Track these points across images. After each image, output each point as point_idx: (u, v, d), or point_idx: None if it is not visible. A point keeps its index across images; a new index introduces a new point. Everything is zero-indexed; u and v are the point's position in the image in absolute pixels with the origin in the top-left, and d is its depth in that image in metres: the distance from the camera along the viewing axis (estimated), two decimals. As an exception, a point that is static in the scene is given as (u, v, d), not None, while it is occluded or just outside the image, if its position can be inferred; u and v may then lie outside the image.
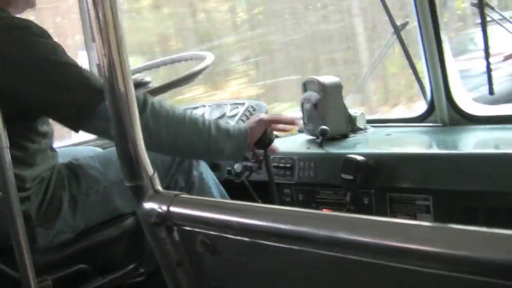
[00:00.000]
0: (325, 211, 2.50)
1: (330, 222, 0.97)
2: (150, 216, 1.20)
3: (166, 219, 1.18)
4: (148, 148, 1.90)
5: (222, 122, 2.17)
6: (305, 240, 0.98)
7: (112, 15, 1.10)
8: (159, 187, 1.23)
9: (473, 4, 2.52)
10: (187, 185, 2.36)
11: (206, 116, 3.12)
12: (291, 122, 2.43)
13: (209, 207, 1.16)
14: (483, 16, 2.48)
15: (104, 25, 1.10)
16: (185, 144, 2.06)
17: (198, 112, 3.21)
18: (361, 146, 2.57)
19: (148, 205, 1.21)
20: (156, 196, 1.21)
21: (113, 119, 1.18)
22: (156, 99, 2.01)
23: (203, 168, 2.44)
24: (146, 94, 1.99)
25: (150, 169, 1.22)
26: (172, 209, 1.16)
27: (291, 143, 2.87)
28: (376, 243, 0.89)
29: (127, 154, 1.20)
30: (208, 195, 2.39)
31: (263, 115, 2.31)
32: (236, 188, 2.60)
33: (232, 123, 2.82)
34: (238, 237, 1.11)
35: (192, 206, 1.18)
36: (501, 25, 2.65)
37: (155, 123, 1.92)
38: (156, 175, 1.24)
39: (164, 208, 1.17)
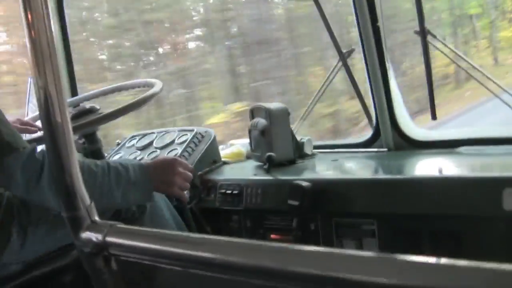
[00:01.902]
0: (274, 237, 2.52)
1: (262, 251, 0.98)
2: (87, 246, 1.19)
3: (102, 248, 1.17)
4: (51, 207, 1.91)
5: (122, 169, 2.06)
6: (237, 269, 0.98)
7: (48, 48, 1.10)
8: (96, 217, 1.22)
9: (415, 32, 2.58)
10: (139, 210, 2.32)
11: (155, 143, 3.11)
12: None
13: (144, 237, 1.15)
14: (425, 44, 2.54)
15: (41, 59, 1.10)
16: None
17: (146, 140, 3.19)
18: (307, 172, 2.58)
19: (85, 235, 1.19)
20: (93, 226, 1.20)
21: (50, 151, 1.17)
22: None
23: (155, 193, 2.41)
24: (43, 154, 1.91)
25: (87, 199, 1.21)
26: (108, 239, 1.15)
27: (238, 169, 2.88)
28: (309, 273, 0.89)
29: (64, 185, 1.18)
30: (160, 219, 2.36)
31: (177, 160, 2.25)
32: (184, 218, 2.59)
33: (178, 150, 2.83)
34: (172, 267, 1.10)
35: (128, 235, 1.17)
36: (442, 52, 2.72)
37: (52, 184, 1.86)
38: (93, 205, 1.23)
39: (100, 238, 1.16)
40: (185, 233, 1.08)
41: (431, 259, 0.77)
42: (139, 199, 2.12)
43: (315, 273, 0.87)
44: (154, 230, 1.19)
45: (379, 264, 0.84)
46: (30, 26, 1.09)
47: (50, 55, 1.10)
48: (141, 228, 1.21)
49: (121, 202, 2.06)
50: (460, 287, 0.73)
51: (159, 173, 2.16)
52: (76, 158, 1.19)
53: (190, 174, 2.26)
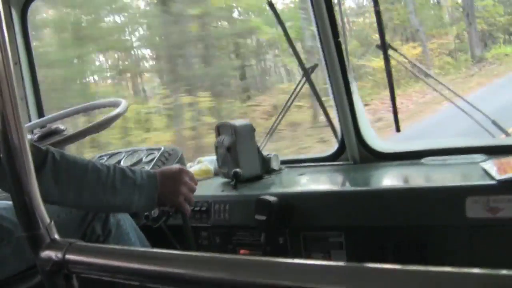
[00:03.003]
0: (243, 253, 2.53)
1: (217, 264, 0.98)
2: (47, 265, 1.18)
3: (62, 266, 1.16)
4: (52, 201, 1.89)
5: (129, 172, 2.05)
6: (200, 284, 0.98)
7: (4, 69, 1.10)
8: (56, 236, 1.22)
9: (377, 47, 2.63)
10: (104, 233, 2.31)
11: (122, 163, 3.10)
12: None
13: (103, 254, 1.14)
14: (386, 56, 2.58)
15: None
16: (89, 197, 1.97)
17: (114, 159, 3.19)
18: (274, 186, 2.60)
19: (44, 254, 1.19)
20: (52, 245, 1.19)
21: (8, 170, 1.17)
22: (58, 151, 1.96)
23: (121, 215, 2.40)
24: (48, 147, 1.94)
25: (46, 218, 1.21)
26: (68, 256, 1.15)
27: (206, 186, 2.88)
28: (278, 285, 0.90)
29: (23, 204, 1.18)
30: (126, 241, 2.35)
31: (184, 169, 2.20)
32: (154, 233, 2.58)
33: (146, 168, 2.81)
34: (133, 283, 1.10)
35: (87, 253, 1.16)
36: (403, 65, 2.77)
37: (55, 177, 1.86)
38: (52, 224, 1.23)
39: (60, 255, 1.15)
40: (145, 249, 1.08)
41: (399, 267, 0.79)
42: (142, 204, 2.05)
43: (285, 285, 0.88)
44: (114, 246, 1.20)
45: (348, 273, 0.85)
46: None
47: (6, 78, 1.11)
48: (100, 245, 1.21)
49: (122, 204, 2.02)
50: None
51: (166, 182, 2.11)
52: (34, 179, 1.19)
53: (195, 185, 2.23)
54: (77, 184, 1.93)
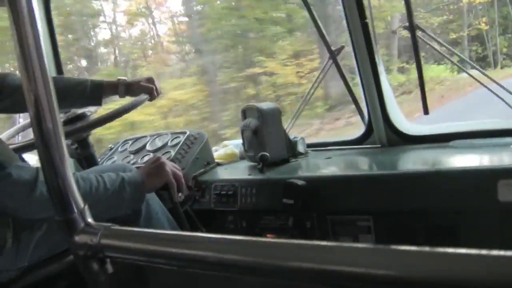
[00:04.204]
0: (270, 236, 2.52)
1: (261, 248, 0.97)
2: (82, 249, 1.18)
3: (97, 251, 1.16)
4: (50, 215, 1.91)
5: (114, 174, 2.12)
6: (233, 267, 0.97)
7: (37, 54, 1.09)
8: (90, 220, 1.21)
9: (404, 27, 2.59)
10: (134, 214, 2.32)
11: (148, 147, 3.10)
12: (181, 190, 2.32)
13: (139, 238, 1.14)
14: (414, 38, 2.54)
15: (30, 65, 1.09)
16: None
17: (139, 143, 3.19)
18: (301, 170, 2.58)
19: (79, 238, 1.19)
20: (87, 229, 1.19)
21: (42, 155, 1.16)
22: None
23: (149, 196, 2.41)
24: (38, 168, 1.94)
25: (80, 203, 1.20)
26: (103, 241, 1.14)
27: (232, 170, 2.87)
28: (311, 267, 0.88)
29: (57, 189, 1.18)
30: (155, 223, 2.35)
31: (164, 161, 2.25)
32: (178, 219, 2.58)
33: (172, 153, 2.83)
34: (169, 267, 1.09)
35: (123, 237, 1.16)
36: (433, 47, 2.72)
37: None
38: (86, 208, 1.22)
39: (95, 240, 1.15)
40: (180, 232, 1.06)
41: (428, 249, 0.77)
42: (133, 197, 2.11)
43: (313, 267, 0.87)
44: (149, 230, 1.18)
45: (377, 255, 0.84)
46: (18, 32, 1.08)
47: (39, 61, 1.10)
48: (135, 229, 1.20)
49: (115, 203, 2.06)
50: (459, 275, 0.73)
51: (148, 168, 2.20)
52: (68, 162, 1.18)
53: (175, 165, 2.29)
54: None
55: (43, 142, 1.14)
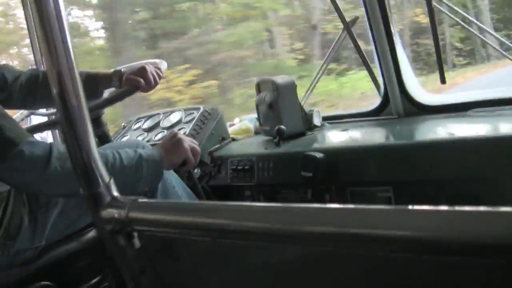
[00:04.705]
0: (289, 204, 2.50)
1: (291, 214, 0.96)
2: (109, 224, 1.17)
3: (125, 225, 1.15)
4: (63, 194, 1.91)
5: (132, 151, 2.08)
6: (269, 235, 0.96)
7: (59, 29, 1.08)
8: (117, 193, 1.20)
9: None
10: (150, 188, 2.32)
11: (162, 124, 3.09)
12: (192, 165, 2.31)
13: (168, 210, 1.13)
14: (430, 6, 2.50)
15: (52, 40, 1.08)
16: None
17: (153, 120, 3.18)
18: (318, 143, 2.56)
19: (106, 212, 1.17)
20: (114, 203, 1.18)
21: (66, 129, 1.15)
22: (61, 144, 1.96)
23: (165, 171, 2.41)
24: (51, 143, 1.92)
25: (106, 176, 1.19)
26: (131, 214, 1.13)
27: (248, 145, 2.86)
28: (339, 232, 0.88)
29: (81, 163, 1.17)
30: (173, 196, 2.35)
31: (182, 137, 2.23)
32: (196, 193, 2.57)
33: (186, 129, 2.82)
34: (200, 238, 1.09)
35: (151, 209, 1.15)
36: (449, 15, 2.69)
37: (62, 168, 1.84)
38: (112, 181, 1.21)
39: (123, 214, 1.14)
40: (208, 202, 1.05)
41: (451, 208, 0.79)
42: (151, 175, 2.09)
43: (341, 231, 0.87)
44: (177, 201, 1.18)
45: (399, 216, 0.83)
46: (38, 9, 1.07)
47: (62, 38, 1.09)
48: (163, 201, 1.19)
49: (132, 180, 2.04)
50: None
51: (166, 144, 2.19)
52: (92, 137, 1.18)
53: (193, 141, 2.28)
54: None
55: (67, 118, 1.13)
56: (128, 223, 1.15)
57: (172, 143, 2.19)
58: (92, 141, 1.17)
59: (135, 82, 2.38)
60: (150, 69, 2.41)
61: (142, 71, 2.40)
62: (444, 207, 0.78)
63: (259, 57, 11.59)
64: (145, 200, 1.17)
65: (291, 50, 11.73)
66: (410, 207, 0.81)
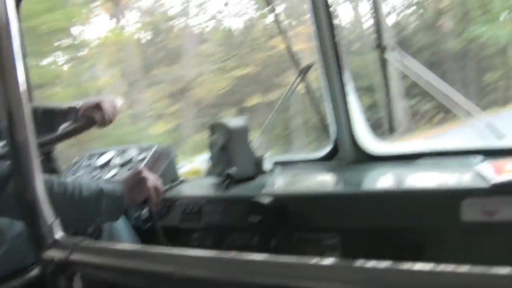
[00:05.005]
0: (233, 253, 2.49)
1: (235, 264, 0.97)
2: (51, 265, 1.16)
3: (66, 267, 1.14)
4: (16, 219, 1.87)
5: (94, 184, 2.08)
6: (211, 284, 0.96)
7: (13, 63, 1.08)
8: (60, 234, 1.19)
9: (374, 47, 2.60)
10: (95, 232, 2.29)
11: (113, 161, 3.07)
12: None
13: (111, 253, 1.12)
14: (382, 58, 2.56)
15: (3, 74, 1.08)
16: (57, 212, 1.97)
17: (105, 157, 3.16)
18: (268, 187, 2.57)
19: (48, 253, 1.16)
20: (56, 244, 1.17)
21: (14, 167, 1.15)
22: None
23: None
24: (7, 169, 1.91)
25: (50, 217, 1.18)
26: (73, 256, 1.13)
27: (198, 187, 2.85)
28: (280, 283, 0.88)
29: (27, 203, 1.16)
30: (119, 239, 2.33)
31: (145, 175, 2.22)
32: (146, 234, 2.55)
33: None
34: (140, 284, 1.08)
35: (94, 252, 1.14)
36: (404, 64, 2.73)
37: None
38: (57, 222, 1.20)
39: (64, 255, 1.13)
40: (152, 247, 1.04)
41: (395, 264, 0.78)
42: (110, 210, 2.07)
43: (281, 283, 0.87)
44: (120, 245, 1.17)
45: (343, 271, 0.84)
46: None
47: (13, 72, 1.09)
48: (106, 244, 1.18)
49: (90, 213, 2.02)
50: None
51: (129, 181, 2.18)
52: (40, 176, 1.17)
53: (157, 179, 2.27)
54: None
55: (15, 156, 1.13)
56: (69, 265, 1.13)
57: (136, 180, 2.18)
58: (39, 181, 1.17)
59: (90, 118, 2.37)
60: (105, 105, 2.40)
61: (97, 107, 2.39)
62: (385, 263, 0.79)
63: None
64: (88, 242, 1.16)
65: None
66: (352, 262, 0.81)
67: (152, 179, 2.22)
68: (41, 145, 2.27)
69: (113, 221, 2.28)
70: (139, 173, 2.20)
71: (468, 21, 11.96)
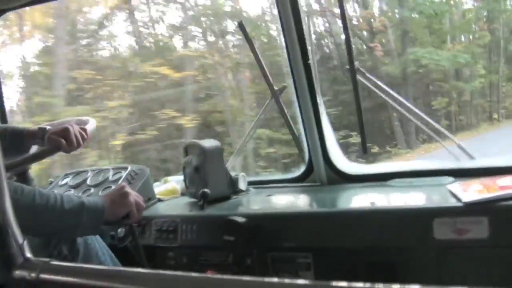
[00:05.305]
0: (210, 273, 2.50)
1: (208, 284, 0.98)
2: (19, 285, 1.15)
3: (37, 286, 1.14)
4: None
5: (75, 197, 2.09)
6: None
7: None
8: (29, 255, 1.19)
9: (346, 70, 2.66)
10: (71, 253, 2.28)
11: (88, 182, 3.07)
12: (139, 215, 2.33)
13: (80, 273, 1.12)
14: (354, 80, 2.61)
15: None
16: (38, 222, 1.97)
17: (80, 177, 3.15)
18: (242, 207, 2.60)
19: (17, 273, 1.16)
20: (26, 264, 1.16)
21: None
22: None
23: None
24: None
25: (19, 237, 1.18)
26: (43, 276, 1.12)
27: (173, 206, 2.86)
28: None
29: (-4, 223, 1.16)
30: (95, 261, 2.32)
31: (129, 190, 2.24)
32: (121, 253, 2.55)
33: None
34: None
35: (63, 272, 1.13)
36: (373, 89, 2.79)
37: None
38: (26, 243, 1.20)
39: (34, 275, 1.13)
40: (124, 268, 1.04)
41: (367, 285, 0.79)
42: (90, 223, 2.07)
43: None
44: (91, 266, 1.17)
45: None
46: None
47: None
48: (76, 265, 1.18)
49: (71, 225, 2.02)
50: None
51: (113, 197, 2.18)
52: (7, 196, 1.17)
53: (138, 196, 2.29)
54: (26, 211, 1.90)
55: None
56: (38, 286, 1.13)
57: (118, 195, 2.18)
58: (7, 201, 1.16)
59: (57, 143, 2.33)
60: (73, 129, 2.37)
61: (64, 132, 2.36)
62: (359, 284, 0.80)
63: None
64: (57, 262, 1.16)
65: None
66: (326, 283, 0.83)
67: (134, 194, 2.24)
68: (6, 168, 2.27)
69: (93, 235, 2.27)
70: (122, 187, 2.21)
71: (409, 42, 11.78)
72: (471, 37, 11.97)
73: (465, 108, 12.43)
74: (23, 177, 2.64)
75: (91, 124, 2.52)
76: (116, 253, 2.50)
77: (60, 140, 2.33)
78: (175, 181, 3.18)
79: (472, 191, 2.05)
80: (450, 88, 12.11)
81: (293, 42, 2.61)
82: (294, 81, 2.70)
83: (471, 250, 1.96)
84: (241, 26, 2.92)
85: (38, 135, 2.44)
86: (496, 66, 11.91)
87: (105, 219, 2.11)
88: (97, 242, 2.40)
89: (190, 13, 11.10)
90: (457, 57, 10.90)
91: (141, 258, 2.28)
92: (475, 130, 11.67)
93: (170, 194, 3.08)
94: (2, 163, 1.15)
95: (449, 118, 11.80)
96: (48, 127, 2.44)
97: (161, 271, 1.04)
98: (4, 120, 3.37)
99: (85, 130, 2.44)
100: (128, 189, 2.21)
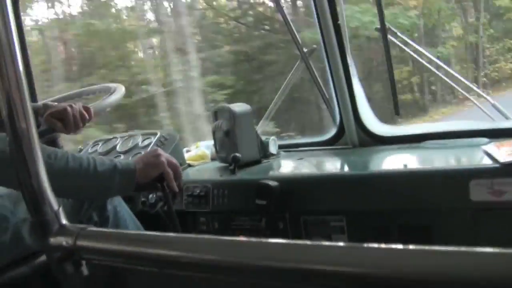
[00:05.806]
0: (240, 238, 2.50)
1: (242, 248, 0.96)
2: (56, 251, 1.16)
3: (72, 253, 1.13)
4: None
5: (107, 159, 2.04)
6: (217, 268, 0.96)
7: (10, 53, 1.08)
8: (65, 221, 1.19)
9: (376, 29, 2.60)
10: (101, 220, 2.29)
11: (118, 148, 3.07)
12: (178, 185, 2.18)
13: (116, 239, 1.12)
14: (386, 40, 2.55)
15: (3, 63, 1.08)
16: (72, 185, 1.94)
17: (109, 144, 3.16)
18: (273, 171, 2.58)
19: (54, 240, 1.16)
20: (62, 231, 1.16)
21: (15, 156, 1.14)
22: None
23: (117, 201, 2.38)
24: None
25: (55, 204, 1.18)
26: (79, 242, 1.12)
27: (204, 171, 2.86)
28: (290, 267, 0.88)
29: (31, 189, 1.16)
30: (123, 228, 2.33)
31: (161, 152, 2.16)
32: (152, 219, 2.56)
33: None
34: (148, 269, 1.08)
35: (99, 238, 1.14)
36: (405, 48, 2.74)
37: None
38: (61, 210, 1.20)
39: (70, 242, 1.13)
40: (157, 233, 1.04)
41: (399, 246, 0.77)
42: (123, 189, 2.06)
43: (289, 266, 0.87)
44: (126, 231, 1.17)
45: (351, 253, 0.84)
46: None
47: (12, 60, 1.08)
48: (112, 230, 1.18)
49: (104, 187, 2.01)
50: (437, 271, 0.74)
51: (144, 159, 2.12)
52: (42, 163, 1.16)
53: (170, 156, 2.20)
54: (60, 174, 1.89)
55: (16, 143, 1.12)
56: (75, 251, 1.13)
57: (151, 155, 2.15)
58: (42, 168, 1.16)
59: (52, 125, 2.30)
60: (73, 110, 2.30)
61: (62, 113, 2.30)
62: (393, 246, 0.79)
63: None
64: (93, 228, 1.16)
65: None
66: (360, 245, 0.81)
67: (168, 155, 2.17)
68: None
69: (126, 195, 2.25)
70: (155, 150, 2.17)
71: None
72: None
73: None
74: (53, 145, 2.65)
75: (118, 92, 2.50)
76: (145, 221, 2.50)
77: (55, 122, 2.29)
78: (205, 146, 3.17)
79: (509, 152, 2.00)
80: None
81: (322, 3, 2.56)
82: (323, 42, 2.66)
83: (508, 212, 1.91)
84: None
85: (40, 112, 2.38)
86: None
87: (137, 180, 2.09)
88: (125, 210, 2.41)
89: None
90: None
91: (174, 222, 2.26)
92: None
93: (200, 159, 3.08)
94: (35, 131, 1.14)
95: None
96: (51, 104, 2.40)
97: (197, 235, 1.04)
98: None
99: (88, 109, 2.38)
100: (160, 151, 2.18)
